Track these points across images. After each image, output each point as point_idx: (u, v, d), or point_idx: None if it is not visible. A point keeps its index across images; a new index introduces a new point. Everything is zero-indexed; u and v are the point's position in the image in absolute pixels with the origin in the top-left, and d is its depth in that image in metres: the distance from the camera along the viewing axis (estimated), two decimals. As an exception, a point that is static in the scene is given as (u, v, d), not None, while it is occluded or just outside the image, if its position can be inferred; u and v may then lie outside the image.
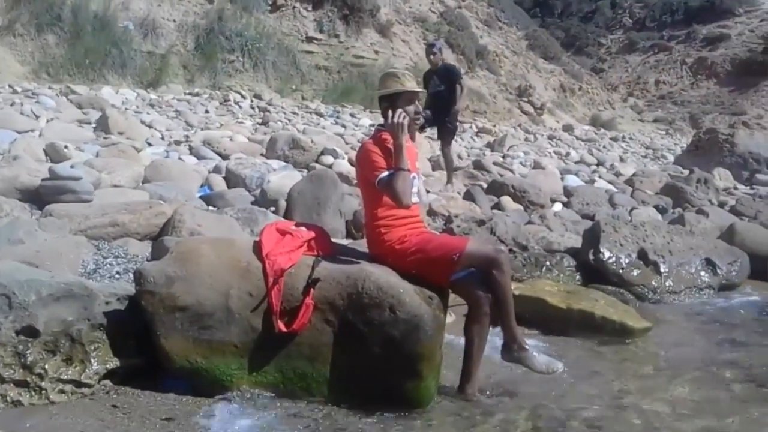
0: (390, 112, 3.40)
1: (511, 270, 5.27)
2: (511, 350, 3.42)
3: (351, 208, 6.54)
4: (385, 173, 3.34)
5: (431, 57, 8.71)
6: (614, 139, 22.53)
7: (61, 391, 3.07)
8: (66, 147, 7.50)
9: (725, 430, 3.13)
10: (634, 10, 45.57)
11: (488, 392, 3.46)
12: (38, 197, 5.78)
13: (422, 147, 12.13)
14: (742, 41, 37.35)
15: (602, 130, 24.63)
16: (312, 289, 3.19)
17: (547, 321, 4.71)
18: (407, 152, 3.42)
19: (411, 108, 3.51)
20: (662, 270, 5.85)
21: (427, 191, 7.49)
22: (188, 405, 3.11)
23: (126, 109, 12.00)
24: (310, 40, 19.56)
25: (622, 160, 16.69)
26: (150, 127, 10.65)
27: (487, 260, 3.30)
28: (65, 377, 3.09)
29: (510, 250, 5.83)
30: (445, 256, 3.29)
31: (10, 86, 12.36)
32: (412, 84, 3.54)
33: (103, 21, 15.25)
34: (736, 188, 12.59)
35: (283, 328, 3.14)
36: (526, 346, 3.44)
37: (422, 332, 3.14)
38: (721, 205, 9.97)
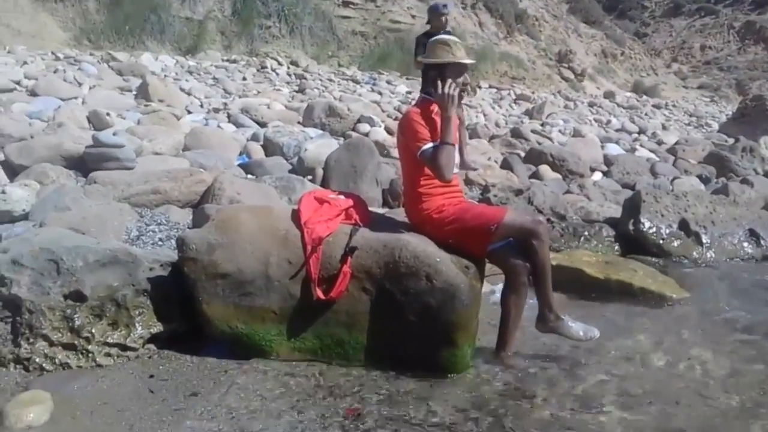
0: (440, 83, 3.35)
1: (550, 240, 5.29)
2: (547, 320, 3.43)
3: (388, 176, 6.55)
4: (429, 145, 3.31)
5: (441, 20, 6.96)
6: (657, 106, 22.03)
7: (108, 354, 3.18)
8: (108, 114, 7.64)
9: (759, 400, 3.09)
10: (680, -28, 44.06)
11: (525, 357, 3.48)
12: (83, 164, 5.92)
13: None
14: (794, 3, 35.92)
15: (644, 97, 24.09)
16: (350, 258, 3.22)
17: (585, 291, 4.68)
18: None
19: (460, 80, 3.46)
20: (704, 241, 5.75)
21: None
22: (228, 368, 3.20)
23: (165, 76, 12.13)
24: (346, 4, 19.43)
25: (664, 128, 16.33)
26: (189, 94, 10.76)
27: (525, 231, 3.30)
28: (111, 341, 3.20)
29: (548, 220, 5.78)
30: (482, 226, 3.29)
31: (52, 53, 12.57)
32: (462, 54, 3.47)
33: (142, -13, 15.35)
34: (783, 157, 12.23)
35: (321, 296, 3.19)
36: (563, 316, 3.45)
37: (458, 301, 3.16)
38: (767, 174, 9.72)
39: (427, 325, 3.18)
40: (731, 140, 12.52)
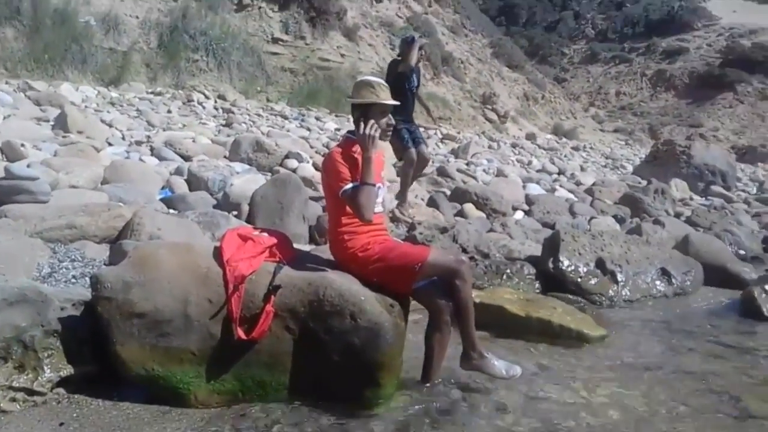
0: (362, 123, 3.39)
1: (473, 278, 5.37)
2: (471, 358, 3.47)
3: (315, 213, 6.53)
4: (350, 186, 3.33)
5: (411, 53, 7.10)
6: (575, 148, 22.92)
7: (13, 399, 3.00)
8: (23, 145, 7.32)
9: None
10: (596, 21, 46.55)
11: (448, 390, 3.50)
12: (-7, 197, 5.63)
13: (387, 151, 12.17)
14: (700, 55, 38.43)
15: (564, 139, 25.06)
16: (273, 296, 3.17)
17: (507, 328, 4.76)
18: (374, 161, 3.43)
19: (383, 120, 3.51)
20: (619, 279, 5.97)
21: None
22: (143, 414, 3.06)
23: (86, 107, 11.77)
24: (275, 41, 19.48)
25: (582, 169, 16.98)
26: (110, 126, 10.46)
27: (448, 270, 3.34)
28: (17, 385, 3.02)
29: (471, 258, 5.89)
30: (406, 265, 3.31)
31: (-35, 81, 12.03)
32: (386, 95, 3.53)
33: (63, 15, 14.98)
34: (692, 199, 12.93)
35: (243, 336, 3.12)
36: (486, 354, 3.49)
37: (383, 340, 3.15)
38: (678, 215, 10.23)
39: (351, 364, 3.15)
40: (644, 182, 13.12)
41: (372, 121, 3.38)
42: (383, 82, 3.66)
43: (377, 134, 3.38)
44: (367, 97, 3.48)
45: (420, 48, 7.33)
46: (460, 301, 3.37)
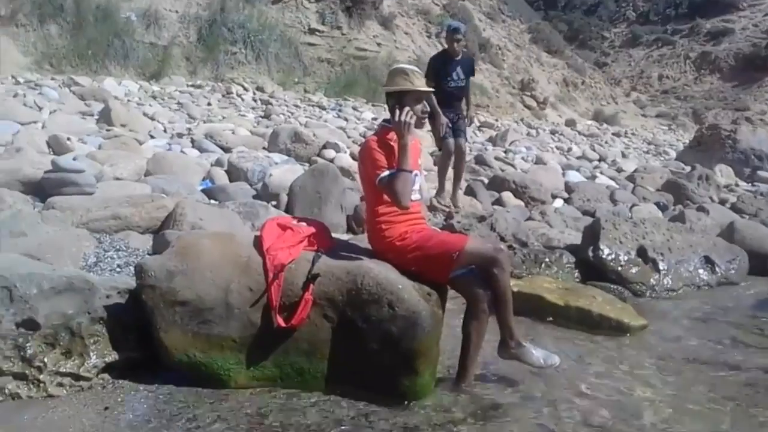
0: (397, 110, 3.40)
1: (511, 267, 5.34)
2: (509, 347, 3.46)
3: (352, 202, 6.56)
4: (386, 173, 3.34)
5: (455, 44, 7.21)
6: (616, 134, 22.52)
7: (60, 384, 3.10)
8: (69, 139, 7.52)
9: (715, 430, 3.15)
10: (637, 3, 45.50)
11: (486, 385, 3.49)
12: (41, 189, 5.81)
13: (425, 141, 12.15)
14: (746, 36, 37.29)
15: (605, 125, 24.61)
16: (311, 285, 3.21)
17: (545, 318, 4.73)
18: (411, 148, 3.43)
19: (419, 107, 3.51)
20: (661, 268, 5.86)
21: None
22: (185, 399, 3.14)
23: (128, 100, 12.02)
24: (312, 32, 19.54)
25: (624, 155, 16.68)
26: (152, 119, 10.67)
27: (486, 259, 3.33)
28: (64, 370, 3.12)
29: (510, 247, 5.85)
30: (444, 253, 3.31)
31: (13, 77, 12.39)
32: (421, 83, 3.53)
33: (105, 12, 15.27)
34: (737, 185, 12.59)
35: (282, 324, 3.17)
36: (524, 343, 3.48)
37: (420, 329, 3.16)
38: (722, 202, 9.99)
39: (389, 352, 3.17)
40: (688, 168, 12.84)
41: (407, 108, 3.38)
42: (417, 69, 3.66)
43: (413, 121, 3.38)
44: (402, 84, 3.48)
45: (455, 35, 7.18)
46: (499, 290, 3.35)
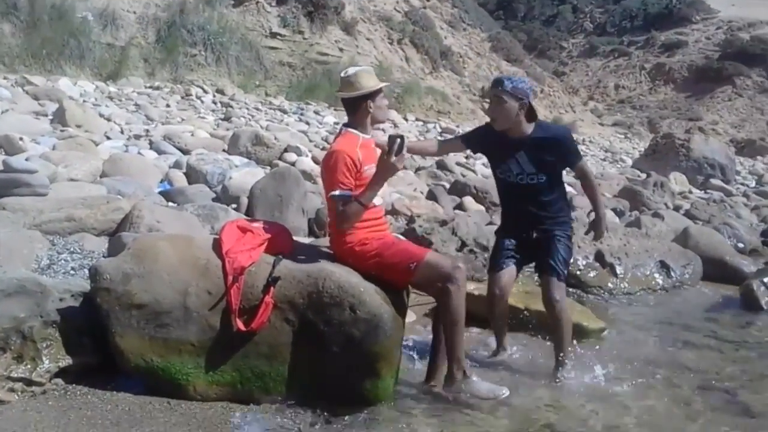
0: (395, 152, 3.19)
1: (472, 272, 5.36)
2: (454, 380, 3.35)
3: (314, 206, 6.51)
4: (339, 193, 3.26)
5: (500, 107, 3.83)
6: (574, 141, 22.85)
7: (11, 390, 3.01)
8: (21, 139, 7.31)
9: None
10: (594, 15, 46.40)
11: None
12: (-9, 191, 5.62)
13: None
14: (698, 48, 38.32)
15: (563, 133, 24.95)
16: (272, 288, 3.17)
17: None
18: (371, 153, 3.41)
19: (386, 101, 3.51)
20: (618, 272, 5.97)
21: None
22: (141, 405, 3.06)
23: (84, 101, 11.74)
24: (273, 35, 19.42)
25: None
26: (109, 120, 10.43)
27: (443, 274, 3.27)
28: (15, 375, 3.02)
29: (471, 251, 5.88)
30: (402, 263, 3.29)
31: (-38, 75, 12.00)
32: (375, 80, 3.48)
33: (60, 11, 14.89)
34: (691, 192, 12.92)
35: (242, 327, 3.12)
36: (471, 376, 3.38)
37: (381, 331, 3.15)
38: (677, 208, 10.22)
39: (350, 355, 3.15)
40: (644, 175, 13.11)
41: (404, 153, 3.25)
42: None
43: (401, 166, 3.31)
44: (373, 83, 3.43)
45: (495, 89, 3.86)
46: (450, 308, 3.27)
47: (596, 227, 4.07)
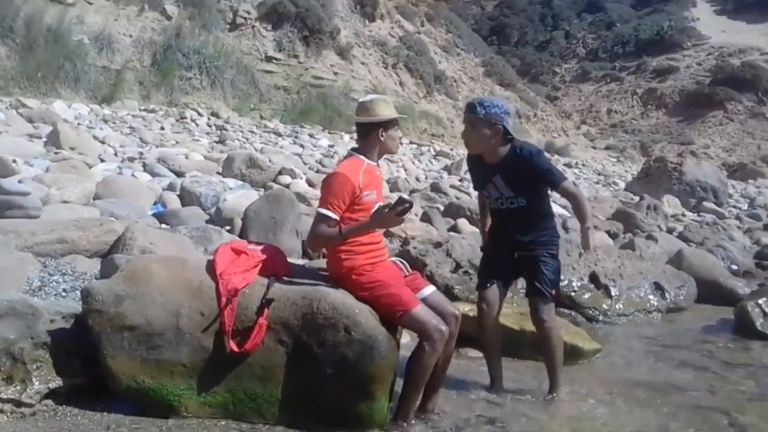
0: (397, 210, 3.17)
1: (467, 292, 5.34)
2: (399, 425, 3.30)
3: (308, 228, 6.41)
4: (327, 213, 3.26)
5: (473, 133, 3.83)
6: (568, 165, 23.00)
7: (0, 411, 2.96)
8: (14, 161, 7.30)
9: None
10: (587, 41, 46.98)
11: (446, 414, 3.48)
12: (-17, 212, 5.59)
13: (381, 168, 12.18)
14: (689, 74, 38.78)
15: (556, 156, 25.10)
16: (266, 309, 3.15)
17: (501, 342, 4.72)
18: (374, 179, 3.42)
19: (398, 133, 3.53)
20: (613, 293, 5.96)
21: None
22: (132, 427, 3.02)
23: (78, 124, 11.76)
24: (269, 59, 19.56)
25: (575, 186, 16.99)
26: (103, 142, 10.44)
27: (424, 332, 3.23)
28: (5, 396, 2.98)
29: (465, 272, 5.86)
30: (391, 306, 3.25)
31: (-44, 98, 12.01)
32: (392, 110, 3.49)
33: (56, 34, 15.00)
34: (684, 215, 12.98)
35: (235, 349, 3.09)
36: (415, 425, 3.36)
37: (377, 353, 3.12)
38: (670, 231, 10.26)
39: (345, 377, 3.12)
40: (637, 198, 13.17)
41: (404, 219, 3.28)
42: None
43: (399, 222, 3.32)
44: (387, 112, 3.43)
45: (469, 114, 3.83)
46: (417, 364, 3.24)
47: (582, 239, 3.96)
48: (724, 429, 3.53)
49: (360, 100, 3.56)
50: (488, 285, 3.91)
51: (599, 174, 22.24)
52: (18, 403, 3.00)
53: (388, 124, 3.43)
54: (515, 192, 3.80)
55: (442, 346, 3.25)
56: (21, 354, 3.05)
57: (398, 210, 3.15)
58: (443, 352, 3.31)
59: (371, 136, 3.43)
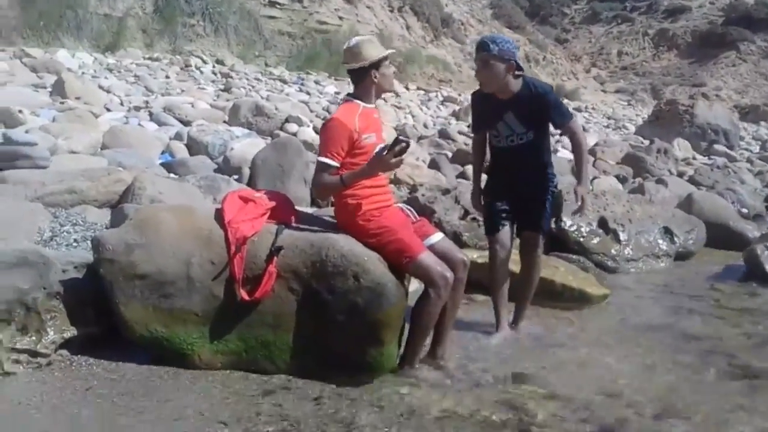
0: (394, 153, 3.14)
1: (476, 239, 5.35)
2: (404, 372, 3.34)
3: (315, 176, 6.48)
4: (334, 164, 3.25)
5: (487, 70, 3.78)
6: (577, 109, 22.74)
7: (16, 361, 3.01)
8: (20, 111, 7.27)
9: (675, 399, 3.19)
10: (598, -20, 45.70)
11: (456, 359, 3.51)
12: (-8, 164, 5.60)
13: (388, 115, 12.08)
14: (702, 13, 37.84)
15: (565, 100, 24.81)
16: (275, 257, 3.16)
17: (509, 288, 4.75)
18: (372, 122, 3.38)
19: (392, 70, 3.48)
20: (622, 238, 5.95)
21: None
22: (148, 375, 3.08)
23: (83, 73, 11.67)
24: (272, 4, 19.21)
25: (584, 130, 16.84)
26: (108, 92, 10.37)
27: (430, 279, 3.23)
28: (20, 347, 3.03)
29: (473, 219, 5.86)
30: (397, 253, 3.24)
31: (-41, 48, 11.91)
32: (380, 49, 3.42)
33: (57, -19, 14.73)
34: (694, 158, 12.86)
35: (246, 297, 3.12)
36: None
37: (385, 300, 3.14)
38: (680, 174, 10.19)
39: (354, 323, 3.15)
40: (647, 142, 13.04)
41: (403, 158, 3.22)
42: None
43: (396, 166, 3.30)
44: (377, 51, 3.37)
45: (479, 53, 3.80)
46: (423, 311, 3.27)
47: (576, 193, 3.91)
48: (732, 374, 3.54)
49: (345, 45, 3.45)
50: (500, 227, 3.95)
51: (609, 118, 22.02)
52: (34, 353, 3.05)
53: (379, 63, 3.37)
54: (526, 127, 3.85)
55: (447, 293, 3.26)
56: (35, 304, 3.08)
57: (396, 150, 3.13)
58: (451, 298, 3.34)
59: (365, 79, 3.39)
